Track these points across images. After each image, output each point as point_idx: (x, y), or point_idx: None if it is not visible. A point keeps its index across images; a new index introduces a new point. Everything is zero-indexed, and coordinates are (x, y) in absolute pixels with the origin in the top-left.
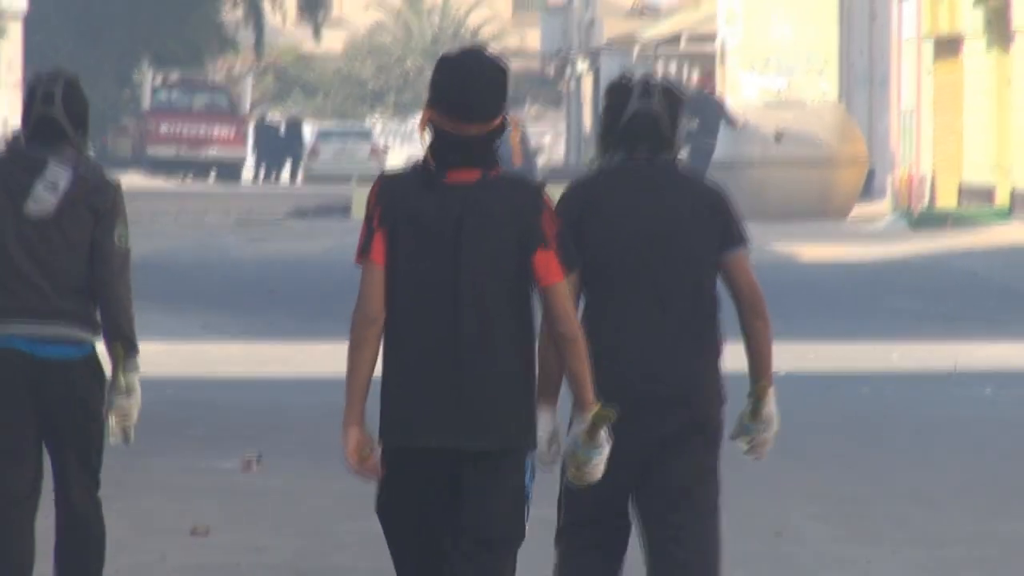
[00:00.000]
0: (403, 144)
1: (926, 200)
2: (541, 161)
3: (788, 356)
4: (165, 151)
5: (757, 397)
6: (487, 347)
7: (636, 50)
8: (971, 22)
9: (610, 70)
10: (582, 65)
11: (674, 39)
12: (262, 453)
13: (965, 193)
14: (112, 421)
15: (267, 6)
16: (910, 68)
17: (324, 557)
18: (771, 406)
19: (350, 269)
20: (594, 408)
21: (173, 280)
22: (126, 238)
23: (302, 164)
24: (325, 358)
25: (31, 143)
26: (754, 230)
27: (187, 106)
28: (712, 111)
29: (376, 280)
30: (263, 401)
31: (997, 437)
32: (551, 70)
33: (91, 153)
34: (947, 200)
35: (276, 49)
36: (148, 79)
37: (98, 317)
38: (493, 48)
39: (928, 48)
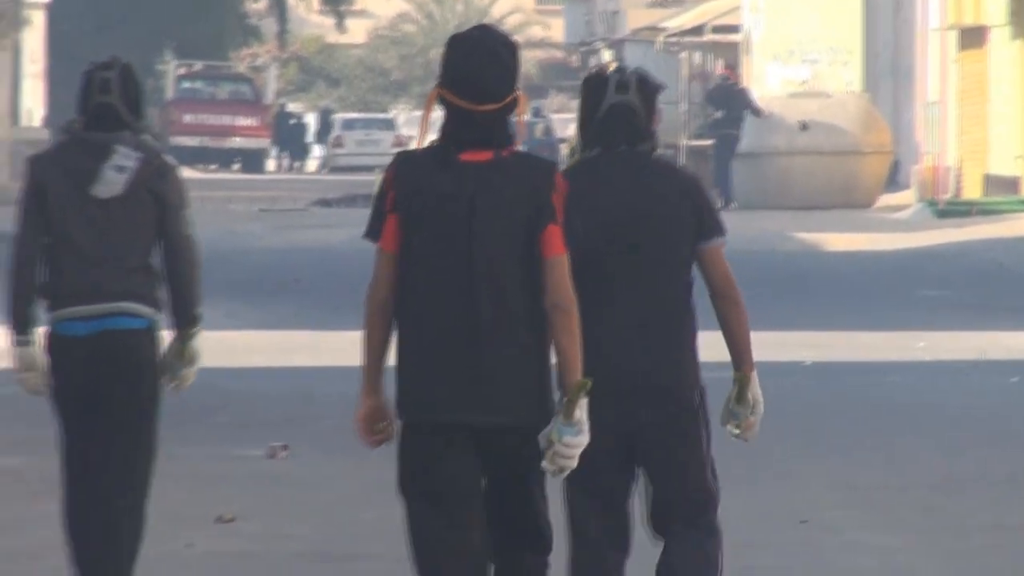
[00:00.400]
0: (431, 132)
1: (951, 190)
2: (564, 150)
3: (813, 345)
4: (189, 141)
5: (740, 382)
6: (502, 324)
7: (660, 40)
8: (996, 12)
9: (634, 60)
10: (606, 55)
11: (698, 29)
12: (288, 442)
13: (990, 183)
14: (172, 385)
15: None
16: (935, 58)
17: (351, 544)
18: (755, 389)
19: (375, 258)
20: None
21: None
22: (190, 222)
23: (319, 155)
24: (350, 346)
25: (90, 130)
26: (779, 219)
27: (211, 96)
28: (737, 102)
29: (385, 265)
30: (288, 389)
31: None
32: (575, 60)
33: (147, 137)
34: (972, 190)
35: (299, 39)
36: (172, 69)
37: (161, 294)
38: (517, 38)
39: (953, 38)
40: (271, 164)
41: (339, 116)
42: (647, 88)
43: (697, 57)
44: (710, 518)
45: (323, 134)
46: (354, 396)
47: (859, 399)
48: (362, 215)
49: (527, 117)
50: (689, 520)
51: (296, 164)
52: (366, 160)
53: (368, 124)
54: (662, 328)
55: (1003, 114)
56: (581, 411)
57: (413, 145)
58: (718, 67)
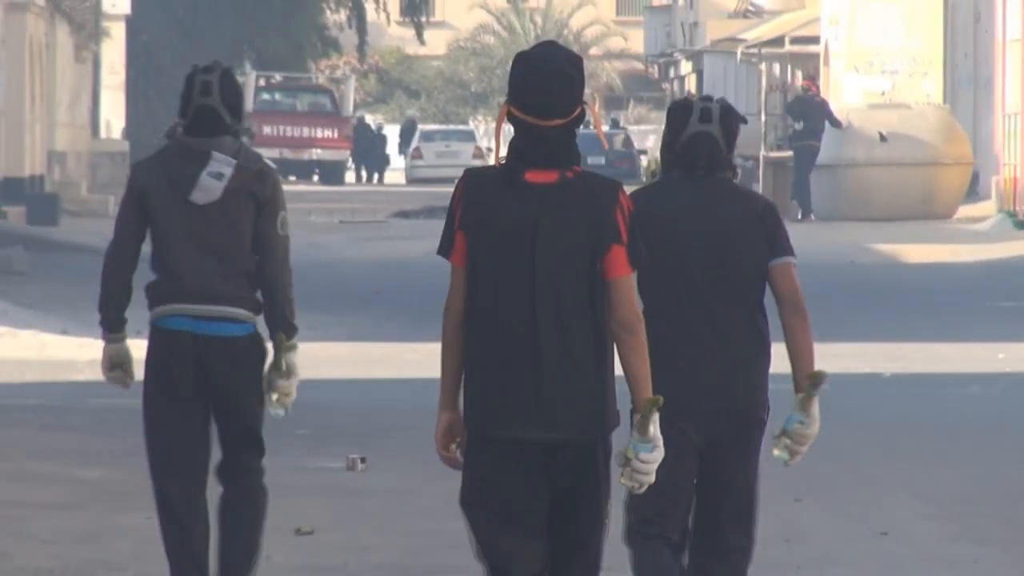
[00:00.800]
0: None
1: None
2: (644, 162)
3: (893, 356)
4: (268, 152)
5: (806, 391)
6: (564, 343)
7: (739, 51)
8: None
9: (713, 71)
10: (685, 66)
11: (777, 41)
12: (366, 454)
13: None
14: (274, 398)
15: (370, 7)
16: (1014, 69)
17: (430, 556)
18: (815, 406)
19: (450, 273)
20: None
21: None
22: (287, 225)
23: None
24: (430, 359)
25: (191, 133)
26: (858, 231)
27: (290, 107)
28: (816, 113)
29: (458, 280)
30: (368, 401)
31: None
32: (654, 71)
33: (246, 140)
34: None
35: (379, 50)
36: (251, 80)
37: (260, 298)
38: (596, 50)
39: None
40: (350, 175)
41: (418, 128)
42: (729, 120)
43: (776, 68)
44: (747, 534)
45: (405, 145)
46: (433, 408)
47: (938, 411)
48: (441, 227)
49: (606, 128)
50: (728, 534)
51: (376, 176)
52: (446, 172)
53: (447, 136)
54: (738, 348)
55: None
56: (655, 427)
57: (492, 157)
58: (797, 78)
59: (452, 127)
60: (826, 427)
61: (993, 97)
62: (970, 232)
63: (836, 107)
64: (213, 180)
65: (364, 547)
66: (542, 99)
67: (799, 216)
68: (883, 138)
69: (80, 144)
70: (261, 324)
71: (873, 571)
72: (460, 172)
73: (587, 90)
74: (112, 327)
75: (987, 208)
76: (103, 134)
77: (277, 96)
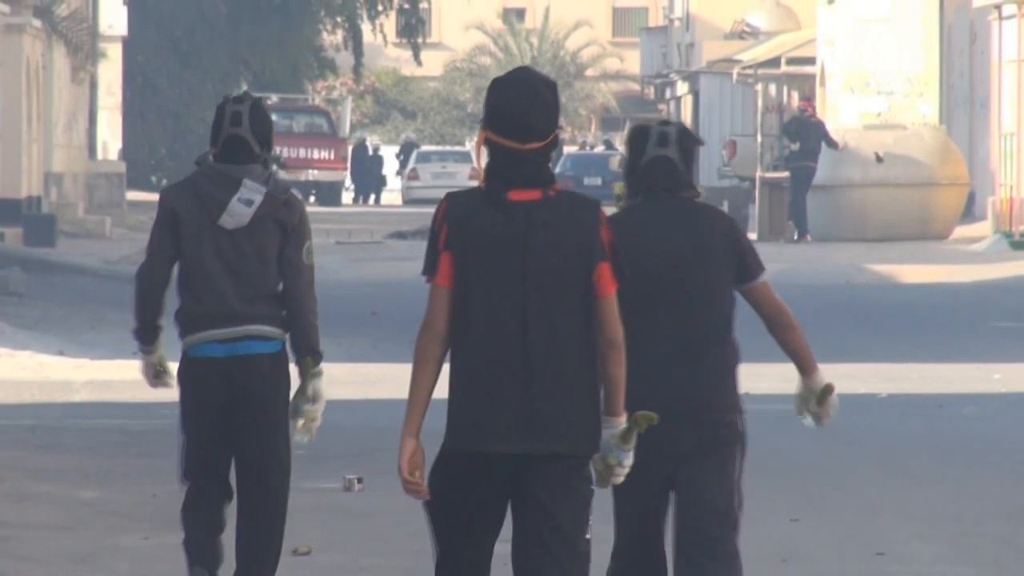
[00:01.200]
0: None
1: None
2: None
3: (889, 377)
4: None
5: (816, 381)
6: (555, 358)
7: (735, 72)
8: None
9: (709, 92)
10: (681, 87)
11: (773, 61)
12: (363, 475)
13: None
14: (299, 424)
15: (366, 28)
16: (1010, 90)
17: None
18: (821, 379)
19: (429, 293)
20: (624, 413)
21: None
22: (312, 254)
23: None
24: None
25: (221, 161)
26: (855, 251)
27: (287, 128)
28: (812, 134)
29: (441, 301)
30: (364, 422)
31: None
32: (650, 92)
33: (276, 168)
34: None
35: (375, 71)
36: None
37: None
38: (592, 71)
39: None
40: (347, 196)
41: (415, 149)
42: (686, 142)
43: (772, 89)
44: (730, 544)
45: (404, 166)
46: (430, 428)
47: (935, 431)
48: None
49: (600, 149)
50: (710, 545)
51: (372, 197)
52: (442, 192)
53: (444, 156)
54: (705, 358)
55: None
56: (635, 438)
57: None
58: (793, 99)
59: (448, 148)
60: (822, 447)
61: (989, 118)
62: (966, 252)
63: (832, 128)
64: (243, 206)
65: (361, 568)
66: (521, 123)
67: (795, 237)
68: (879, 159)
69: (77, 165)
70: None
71: None
72: None
73: (583, 111)
74: (147, 340)
75: (983, 228)
76: (100, 155)
77: (274, 117)
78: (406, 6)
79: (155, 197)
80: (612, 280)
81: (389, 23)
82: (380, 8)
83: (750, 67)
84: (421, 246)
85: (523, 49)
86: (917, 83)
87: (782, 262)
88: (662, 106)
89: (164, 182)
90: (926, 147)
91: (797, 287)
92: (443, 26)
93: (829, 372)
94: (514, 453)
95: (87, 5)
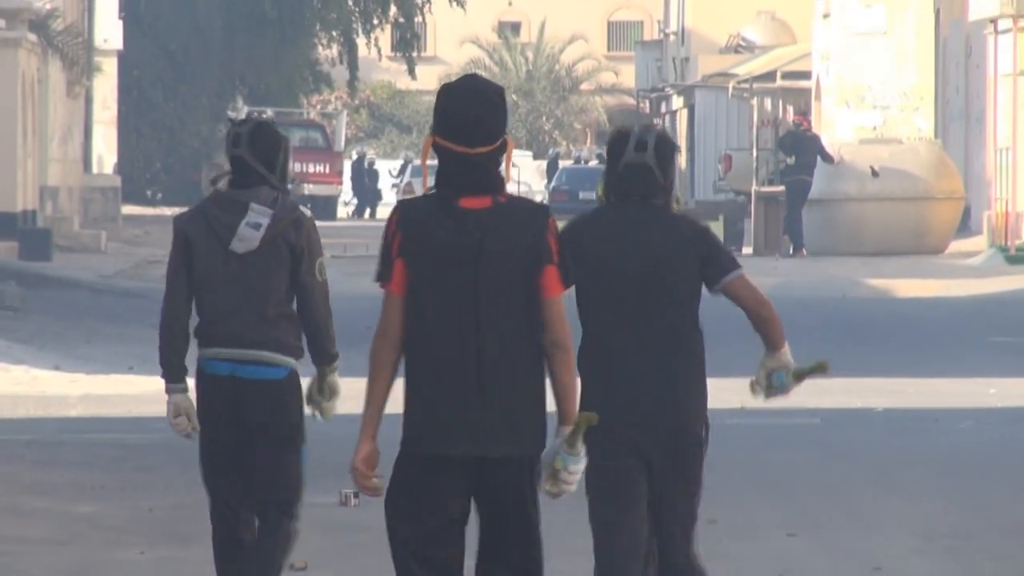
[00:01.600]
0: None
1: (1023, 236)
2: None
3: (885, 391)
4: None
5: (776, 351)
6: (507, 362)
7: (731, 86)
8: None
9: (705, 106)
10: (677, 101)
11: (769, 76)
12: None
13: None
14: (317, 415)
15: (361, 42)
16: (1006, 104)
17: None
18: (788, 356)
19: (383, 301)
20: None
21: None
22: (324, 270)
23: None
24: None
25: (232, 185)
26: (850, 265)
27: None
28: (807, 148)
29: (395, 308)
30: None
31: None
32: (646, 106)
33: (291, 186)
34: None
35: (370, 85)
36: (243, 115)
37: (298, 341)
38: (587, 85)
39: None
40: (342, 210)
41: (410, 164)
42: (664, 148)
43: (768, 103)
44: (690, 550)
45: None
46: (391, 437)
47: (931, 445)
48: None
49: (594, 163)
50: (673, 551)
51: (368, 210)
52: None
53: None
54: (671, 366)
55: None
56: (582, 441)
57: None
58: (788, 113)
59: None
60: (819, 461)
61: (985, 132)
62: (962, 267)
63: (828, 142)
64: (251, 230)
65: None
66: (469, 127)
67: (791, 251)
68: (875, 173)
69: (72, 179)
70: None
71: None
72: None
73: (577, 125)
74: (172, 377)
75: (979, 243)
76: (95, 169)
77: None
78: (401, 20)
79: (150, 211)
80: (558, 283)
81: (384, 37)
82: (375, 22)
83: (745, 81)
84: None
85: (518, 63)
86: (913, 97)
87: (778, 276)
88: (657, 120)
89: (159, 196)
90: (922, 161)
91: (793, 301)
92: (438, 40)
93: (825, 386)
94: (468, 455)
95: (83, 19)
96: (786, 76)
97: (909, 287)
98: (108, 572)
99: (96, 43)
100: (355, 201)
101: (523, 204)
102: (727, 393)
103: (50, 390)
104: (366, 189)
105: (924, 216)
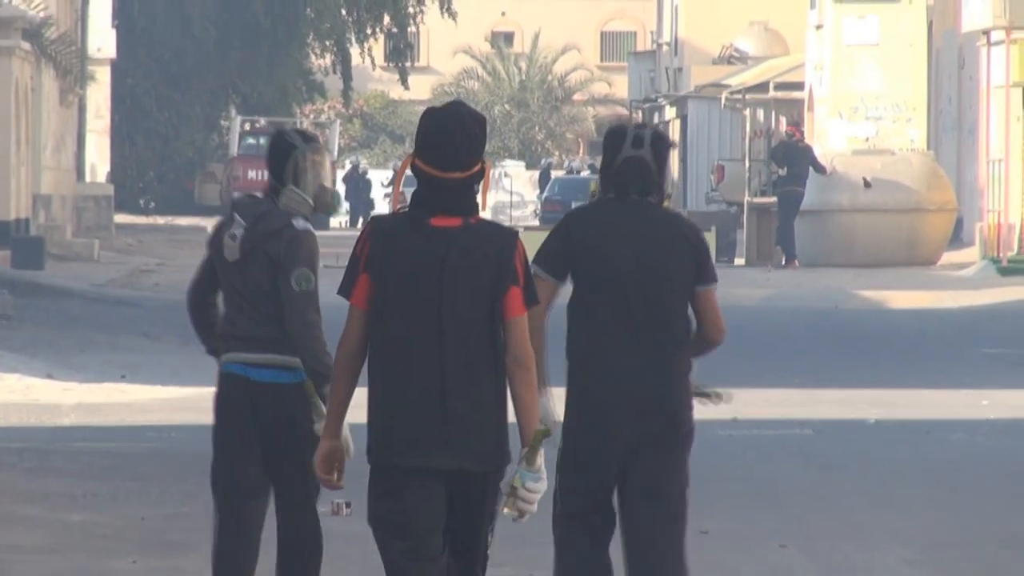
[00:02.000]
0: (493, 189)
1: (1015, 248)
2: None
3: (878, 402)
4: None
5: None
6: (468, 376)
7: (723, 97)
8: None
9: (697, 117)
10: (669, 112)
11: (762, 86)
12: (351, 499)
13: None
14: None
15: (355, 52)
16: (999, 115)
17: None
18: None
19: (347, 314)
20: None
21: None
22: (307, 281)
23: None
24: None
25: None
26: (843, 277)
27: None
28: (800, 159)
29: (356, 321)
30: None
31: None
32: (638, 117)
33: (295, 191)
34: None
35: (363, 95)
36: (236, 125)
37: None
38: (580, 95)
39: (1017, 95)
40: (334, 219)
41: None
42: (660, 145)
43: (760, 114)
44: (678, 529)
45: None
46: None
47: (923, 456)
48: None
49: (586, 174)
50: (658, 532)
51: (360, 219)
52: None
53: None
54: (663, 359)
55: None
56: (541, 459)
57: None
58: (781, 124)
59: None
60: (811, 473)
61: (977, 143)
62: (954, 278)
63: (820, 153)
64: (230, 241)
65: None
66: (444, 152)
67: (783, 262)
68: (867, 184)
69: (65, 188)
70: None
71: None
72: None
73: (570, 135)
74: (213, 353)
75: (971, 254)
76: (88, 178)
77: (262, 140)
78: (394, 30)
79: (143, 220)
80: (522, 304)
81: (377, 47)
82: (368, 32)
83: (738, 92)
84: None
85: (511, 73)
86: (905, 109)
87: (770, 287)
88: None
89: (152, 205)
90: (914, 173)
91: (785, 312)
92: (431, 50)
93: (817, 397)
94: (429, 468)
95: (76, 28)
96: (779, 87)
97: (901, 298)
98: None
99: (90, 52)
100: (348, 211)
101: (492, 226)
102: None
103: (43, 398)
104: (360, 199)
105: (916, 227)
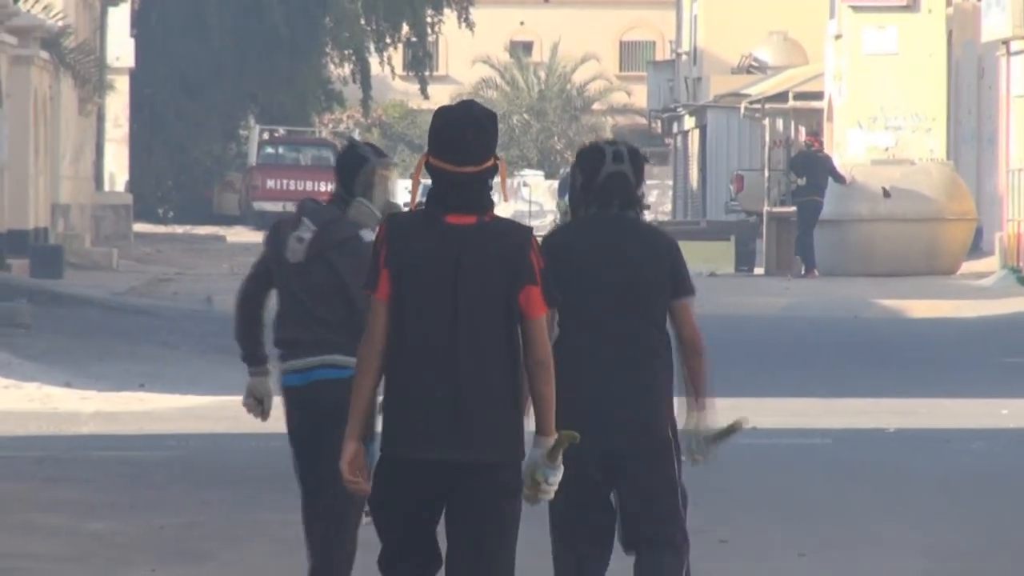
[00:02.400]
0: (512, 199)
1: None
2: (648, 217)
3: (897, 412)
4: (271, 206)
5: (695, 411)
6: (481, 372)
7: (743, 107)
8: None
9: (716, 126)
10: (688, 122)
11: (781, 96)
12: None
13: None
14: None
15: (374, 61)
16: (1018, 125)
17: None
18: (706, 418)
19: (371, 308)
20: (556, 433)
21: None
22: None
23: None
24: None
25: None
26: (862, 286)
27: (294, 161)
28: (819, 168)
29: (380, 315)
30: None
31: None
32: (658, 127)
33: (365, 203)
34: None
35: (382, 104)
36: (255, 134)
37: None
38: (599, 105)
39: None
40: None
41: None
42: (637, 159)
43: (779, 124)
44: (674, 537)
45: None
46: None
47: (942, 466)
48: None
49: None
50: (654, 540)
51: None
52: None
53: None
54: (642, 371)
55: None
56: (561, 455)
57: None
58: (800, 134)
59: None
60: (830, 482)
61: (997, 153)
62: (974, 288)
63: (839, 163)
64: (296, 243)
65: None
66: (456, 146)
67: (802, 271)
68: (887, 194)
69: (84, 197)
70: None
71: None
72: None
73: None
74: (249, 361)
75: (991, 264)
76: (107, 187)
77: (281, 150)
78: (413, 39)
79: (162, 229)
80: (542, 304)
81: (396, 56)
82: (388, 41)
83: (757, 101)
84: None
85: (530, 82)
86: (925, 118)
87: (790, 297)
88: (669, 140)
89: (171, 214)
90: (934, 182)
91: (805, 321)
92: (450, 59)
93: (837, 406)
94: (441, 460)
95: (95, 37)
96: (798, 97)
97: (921, 308)
98: None
99: (108, 61)
100: None
101: (507, 224)
102: (734, 412)
103: (61, 407)
104: None
105: (936, 237)
